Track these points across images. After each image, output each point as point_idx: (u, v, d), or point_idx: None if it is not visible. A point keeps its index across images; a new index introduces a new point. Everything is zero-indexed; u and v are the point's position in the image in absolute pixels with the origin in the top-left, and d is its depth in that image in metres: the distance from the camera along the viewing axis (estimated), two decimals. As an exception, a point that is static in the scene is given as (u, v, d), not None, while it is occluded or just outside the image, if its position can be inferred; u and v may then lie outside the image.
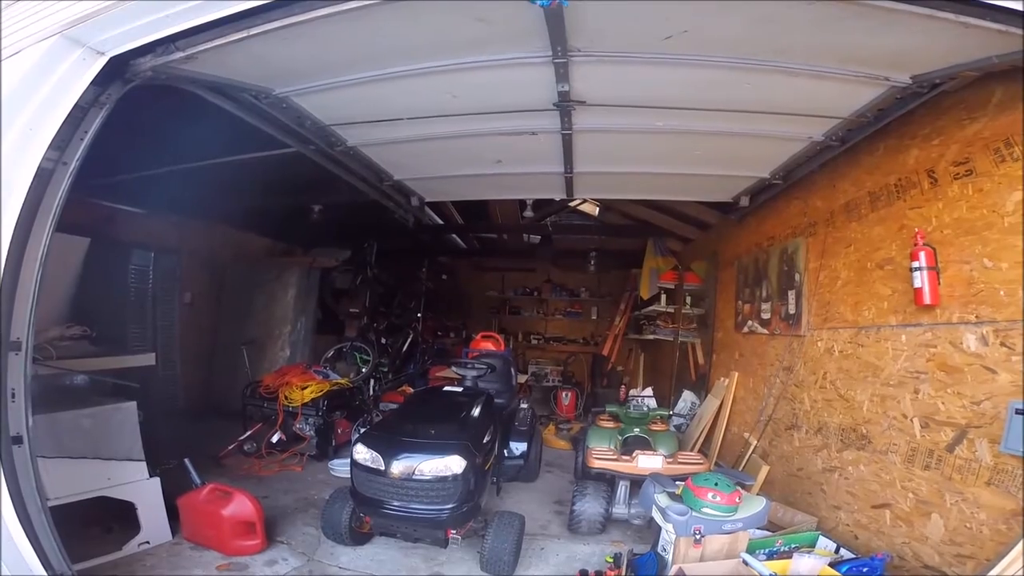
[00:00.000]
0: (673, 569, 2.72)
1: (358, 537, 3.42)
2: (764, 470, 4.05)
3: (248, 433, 5.05)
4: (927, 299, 2.70)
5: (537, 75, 2.68)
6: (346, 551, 3.36)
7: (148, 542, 3.18)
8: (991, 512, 2.31)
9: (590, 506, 3.69)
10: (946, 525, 2.53)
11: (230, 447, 4.92)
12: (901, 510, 2.81)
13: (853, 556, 2.90)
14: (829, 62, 2.49)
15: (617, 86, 2.82)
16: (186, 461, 3.40)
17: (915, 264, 2.73)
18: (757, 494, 3.53)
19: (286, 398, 5.09)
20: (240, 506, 3.21)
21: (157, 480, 3.26)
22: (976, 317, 2.51)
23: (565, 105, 2.94)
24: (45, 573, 2.06)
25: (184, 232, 5.98)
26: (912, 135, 3.00)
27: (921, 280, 2.71)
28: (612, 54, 2.47)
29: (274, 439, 5.03)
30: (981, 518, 2.36)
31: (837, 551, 2.99)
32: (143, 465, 3.23)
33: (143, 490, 3.20)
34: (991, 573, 2.11)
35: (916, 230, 2.80)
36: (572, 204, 7.25)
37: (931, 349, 2.75)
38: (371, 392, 6.45)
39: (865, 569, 2.68)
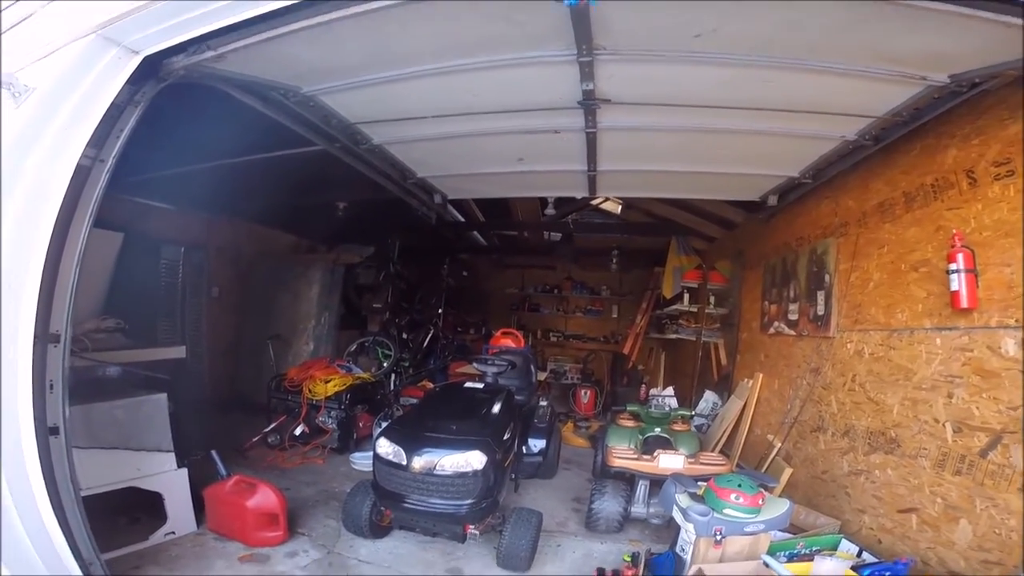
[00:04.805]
0: (692, 569, 2.71)
1: (377, 530, 3.46)
2: (787, 472, 3.99)
3: (272, 425, 5.15)
4: (964, 302, 2.63)
5: (561, 73, 2.66)
6: (365, 544, 3.41)
7: (174, 532, 3.25)
8: (1022, 519, 2.27)
9: (609, 504, 3.68)
10: (975, 531, 2.50)
11: (254, 439, 5.03)
12: (928, 515, 2.77)
13: (876, 560, 2.87)
14: (863, 61, 2.43)
15: (643, 84, 2.78)
16: (213, 453, 3.47)
17: (952, 266, 2.65)
18: (779, 496, 3.48)
19: (310, 391, 5.18)
20: (264, 498, 3.28)
21: (184, 471, 3.34)
22: (1016, 321, 2.44)
23: (589, 103, 2.92)
24: (75, 562, 2.12)
25: (212, 228, 6.11)
26: (951, 134, 2.91)
27: (959, 283, 2.63)
28: (639, 52, 2.45)
29: (297, 432, 5.12)
30: (1011, 524, 2.32)
31: (859, 555, 2.96)
32: (172, 456, 3.31)
33: (171, 481, 3.28)
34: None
35: (954, 231, 2.73)
36: (594, 202, 7.20)
37: (967, 353, 2.68)
38: (392, 387, 6.52)
39: (888, 573, 2.66)
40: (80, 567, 2.13)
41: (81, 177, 2.15)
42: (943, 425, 2.76)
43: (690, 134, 3.37)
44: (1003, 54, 2.24)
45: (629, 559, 3.08)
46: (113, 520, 3.18)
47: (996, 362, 2.50)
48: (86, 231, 2.21)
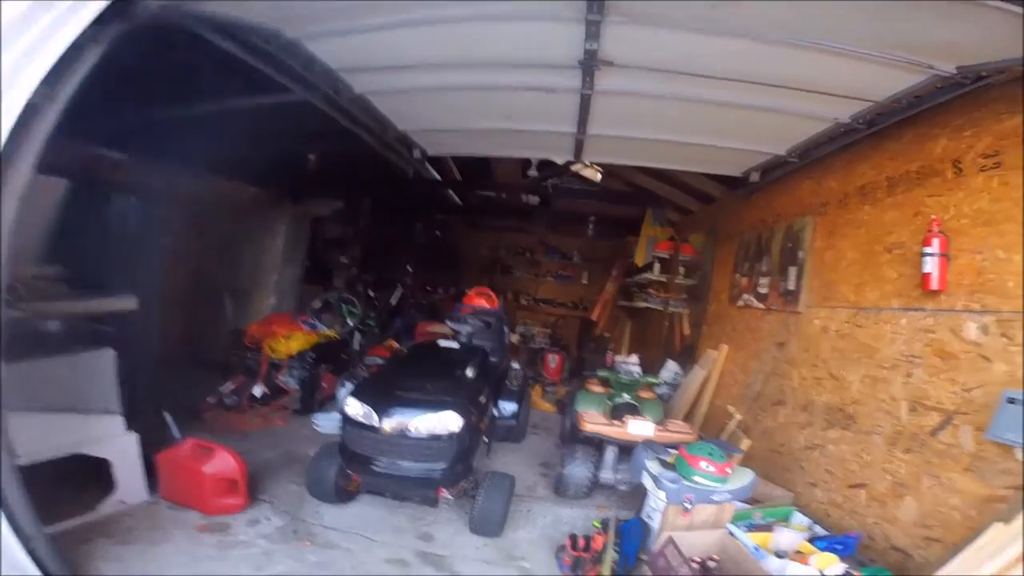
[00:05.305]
0: (663, 537, 2.77)
1: (344, 495, 3.34)
2: (745, 443, 4.10)
3: (231, 386, 4.87)
4: (935, 284, 2.72)
5: (566, 31, 2.54)
6: (331, 510, 3.29)
7: (124, 502, 3.00)
8: (964, 498, 2.39)
9: (578, 470, 3.70)
10: (919, 508, 2.61)
11: (211, 400, 4.74)
12: (877, 491, 2.89)
13: (827, 533, 2.99)
14: (874, 46, 2.41)
15: (650, 50, 2.69)
16: (166, 415, 3.23)
17: (927, 249, 2.73)
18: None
19: (271, 349, 4.93)
20: (222, 462, 3.07)
21: (135, 435, 3.06)
22: (980, 306, 2.54)
23: (590, 64, 2.80)
24: (15, 539, 1.95)
25: (168, 178, 5.59)
26: (943, 124, 2.93)
27: (931, 265, 2.72)
28: (650, 16, 2.35)
29: (257, 392, 4.86)
30: (954, 503, 2.43)
31: (811, 527, 3.08)
32: (120, 419, 3.03)
33: (120, 446, 3.01)
34: (955, 559, 2.15)
35: (933, 217, 2.79)
36: (574, 169, 7.08)
37: (930, 334, 2.78)
38: (356, 346, 6.36)
39: (840, 546, 2.76)
40: (21, 543, 1.96)
41: (29, 116, 1.88)
42: (899, 403, 2.87)
43: (686, 104, 3.30)
44: (1014, 49, 2.23)
45: (599, 525, 3.09)
46: (56, 490, 2.85)
47: (956, 345, 2.61)
48: (29, 172, 1.93)
